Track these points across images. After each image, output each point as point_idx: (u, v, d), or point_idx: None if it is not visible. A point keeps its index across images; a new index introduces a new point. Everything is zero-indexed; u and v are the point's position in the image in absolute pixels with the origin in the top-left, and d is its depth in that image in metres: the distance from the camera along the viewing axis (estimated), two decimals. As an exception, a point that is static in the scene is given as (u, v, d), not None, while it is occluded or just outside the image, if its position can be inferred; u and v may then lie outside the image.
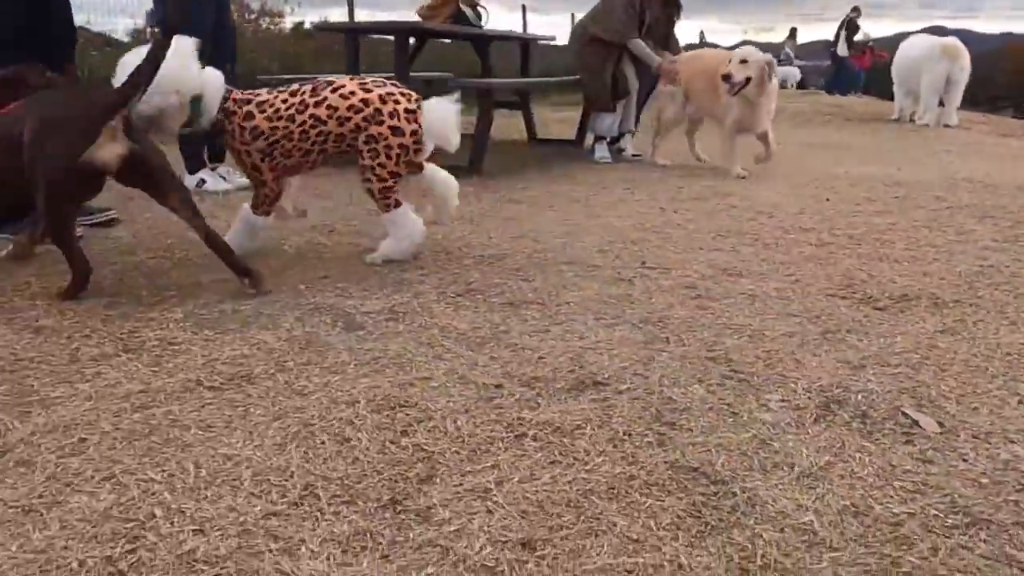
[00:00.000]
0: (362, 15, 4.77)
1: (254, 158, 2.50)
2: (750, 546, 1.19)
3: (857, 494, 1.33)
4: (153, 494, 1.29)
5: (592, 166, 5.20)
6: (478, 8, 5.28)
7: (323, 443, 1.47)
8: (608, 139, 5.55)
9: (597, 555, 1.16)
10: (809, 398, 1.69)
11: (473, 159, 4.58)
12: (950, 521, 1.26)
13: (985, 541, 1.20)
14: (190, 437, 1.49)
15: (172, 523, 1.22)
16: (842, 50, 16.03)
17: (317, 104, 2.49)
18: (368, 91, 2.52)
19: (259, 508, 1.26)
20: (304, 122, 2.48)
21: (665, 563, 1.15)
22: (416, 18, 4.95)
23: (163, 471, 1.37)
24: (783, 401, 1.67)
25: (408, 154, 2.55)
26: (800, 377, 1.79)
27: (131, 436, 1.48)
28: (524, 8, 7.44)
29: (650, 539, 1.20)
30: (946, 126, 8.54)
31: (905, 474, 1.40)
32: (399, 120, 2.50)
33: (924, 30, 9.64)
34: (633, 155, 5.62)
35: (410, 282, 2.49)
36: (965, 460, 1.45)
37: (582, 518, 1.25)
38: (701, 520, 1.25)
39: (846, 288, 2.49)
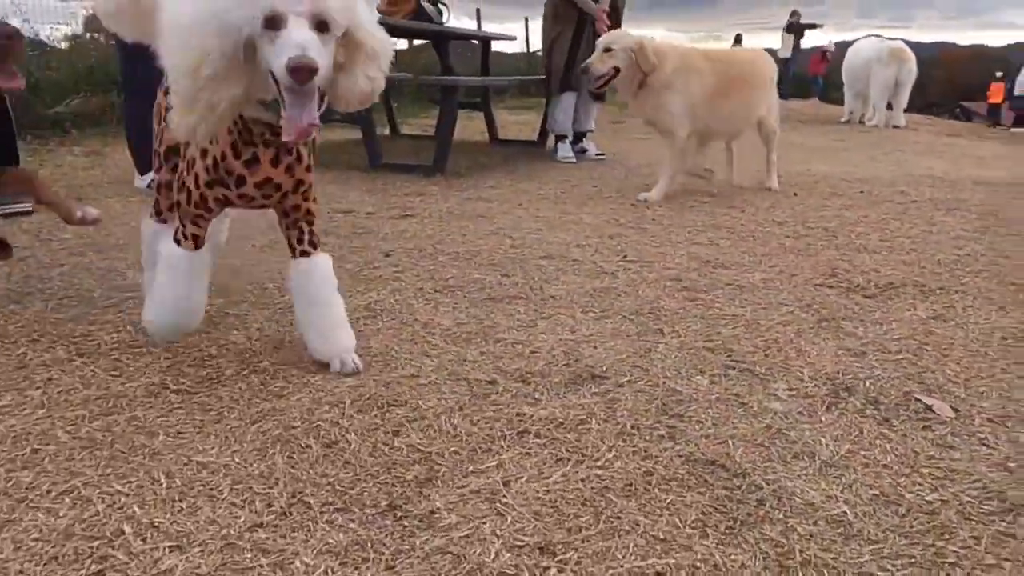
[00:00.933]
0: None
1: None
2: (785, 541, 1.10)
3: (885, 482, 1.26)
4: (120, 508, 1.15)
5: (556, 165, 5.13)
6: (439, 4, 5.16)
7: (308, 447, 1.34)
8: (570, 139, 5.49)
9: (623, 557, 1.06)
10: (816, 386, 1.62)
11: (437, 158, 4.46)
12: (985, 508, 1.19)
13: (1025, 527, 1.14)
14: (158, 444, 1.34)
15: (144, 539, 1.08)
16: (783, 52, 16.29)
17: None
18: None
19: (243, 519, 1.13)
20: None
21: (699, 563, 1.05)
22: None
23: (130, 483, 1.22)
24: (791, 390, 1.60)
25: None
26: (803, 365, 1.73)
27: (92, 445, 1.33)
28: (479, 12, 7.36)
29: (678, 538, 1.11)
30: (895, 127, 8.73)
31: (930, 460, 1.33)
32: None
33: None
34: (597, 154, 5.57)
35: (384, 279, 2.36)
36: (986, 445, 1.39)
37: (601, 518, 1.15)
38: (728, 515, 1.16)
39: (831, 277, 2.44)
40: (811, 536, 1.11)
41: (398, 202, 3.60)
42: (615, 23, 5.34)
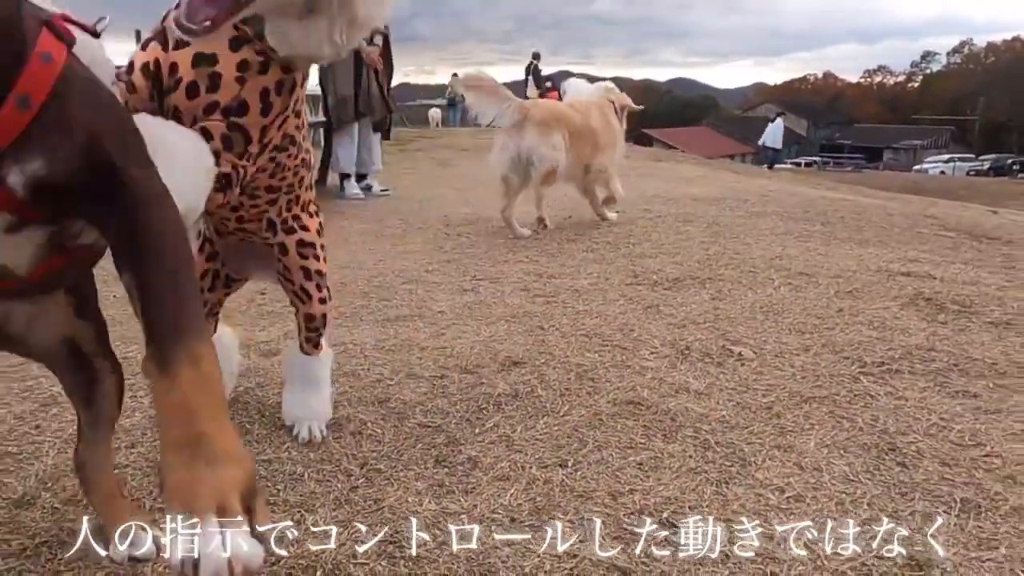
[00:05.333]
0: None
1: None
2: (696, 435, 1.73)
3: (735, 396, 1.95)
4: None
5: (349, 203, 5.51)
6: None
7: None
8: (354, 176, 5.88)
9: (612, 459, 1.61)
10: (670, 348, 2.30)
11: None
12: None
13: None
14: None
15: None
16: (530, 93, 17.48)
17: None
18: None
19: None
20: None
21: (648, 459, 1.63)
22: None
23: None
24: (654, 351, 2.27)
25: None
26: (651, 337, 2.41)
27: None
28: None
29: (637, 442, 1.68)
30: (612, 155, 10.27)
31: (753, 380, 2.06)
32: None
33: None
34: (382, 191, 6.03)
35: (278, 313, 2.66)
36: (779, 369, 2.16)
37: (587, 442, 1.69)
38: (652, 432, 1.76)
39: (634, 278, 3.21)
40: (703, 428, 1.75)
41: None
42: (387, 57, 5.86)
